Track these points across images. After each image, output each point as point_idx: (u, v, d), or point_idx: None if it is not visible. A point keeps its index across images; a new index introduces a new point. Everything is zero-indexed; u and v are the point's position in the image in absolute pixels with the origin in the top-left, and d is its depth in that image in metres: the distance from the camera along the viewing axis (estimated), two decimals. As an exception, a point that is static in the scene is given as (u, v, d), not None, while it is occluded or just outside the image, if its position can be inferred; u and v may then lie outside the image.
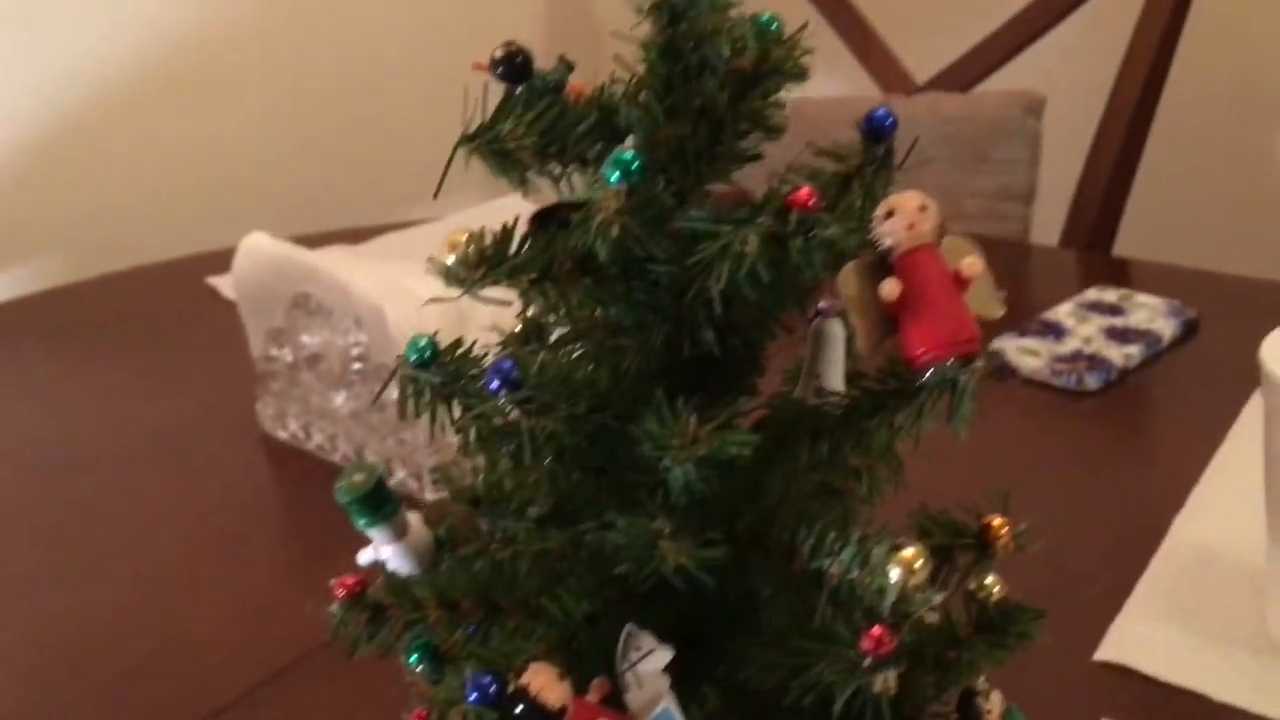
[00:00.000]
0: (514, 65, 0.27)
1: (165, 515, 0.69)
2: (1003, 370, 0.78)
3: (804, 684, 0.28)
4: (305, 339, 0.72)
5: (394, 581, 0.33)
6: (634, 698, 0.29)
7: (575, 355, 0.30)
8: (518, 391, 0.27)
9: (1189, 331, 0.82)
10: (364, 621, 0.32)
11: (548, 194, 0.29)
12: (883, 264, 0.27)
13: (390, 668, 0.34)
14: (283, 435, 0.75)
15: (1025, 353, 0.78)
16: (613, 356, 0.29)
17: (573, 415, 0.27)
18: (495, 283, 0.27)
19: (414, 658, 0.32)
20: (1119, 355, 0.78)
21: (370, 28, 1.41)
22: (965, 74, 1.18)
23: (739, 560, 0.30)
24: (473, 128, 0.27)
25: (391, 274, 0.68)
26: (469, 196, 0.53)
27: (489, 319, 0.30)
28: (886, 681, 0.27)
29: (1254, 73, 1.48)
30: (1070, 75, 1.28)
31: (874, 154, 0.29)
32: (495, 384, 0.27)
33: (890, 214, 0.27)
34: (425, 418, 0.30)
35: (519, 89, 0.28)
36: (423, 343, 0.29)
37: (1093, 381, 0.75)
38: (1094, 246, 1.10)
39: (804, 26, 0.28)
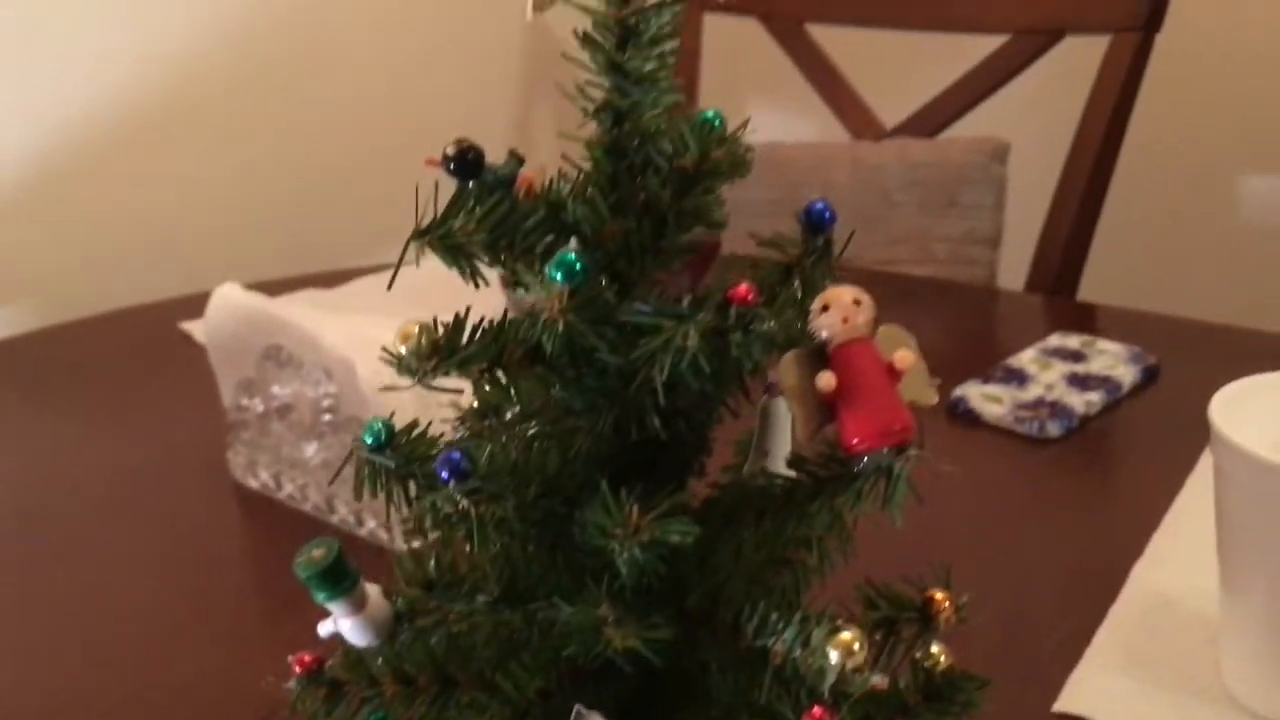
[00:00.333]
0: (465, 161, 0.28)
1: (133, 566, 0.69)
2: (966, 415, 0.79)
3: (750, 759, 0.29)
4: (276, 390, 0.73)
5: (351, 656, 0.33)
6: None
7: (528, 434, 0.31)
8: (466, 482, 0.28)
9: (1149, 378, 0.84)
10: (321, 698, 0.32)
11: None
12: (821, 354, 0.28)
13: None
14: (254, 484, 0.75)
15: (989, 399, 0.80)
16: (563, 438, 0.30)
17: (522, 502, 0.28)
18: (447, 373, 0.28)
19: (371, 732, 0.33)
20: (1080, 402, 0.79)
21: (343, 73, 1.43)
22: (932, 120, 1.20)
23: (689, 636, 0.31)
24: (425, 223, 0.28)
25: (361, 327, 0.69)
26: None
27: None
28: (829, 758, 0.28)
29: (1214, 120, 1.51)
30: (1034, 122, 1.30)
31: (813, 245, 0.30)
32: (445, 474, 0.28)
33: (826, 308, 0.28)
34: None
35: (470, 184, 0.29)
36: (378, 426, 0.30)
37: (1055, 429, 0.77)
38: (1058, 291, 1.12)
39: (745, 123, 0.29)
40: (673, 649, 0.30)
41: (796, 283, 0.29)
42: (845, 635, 0.27)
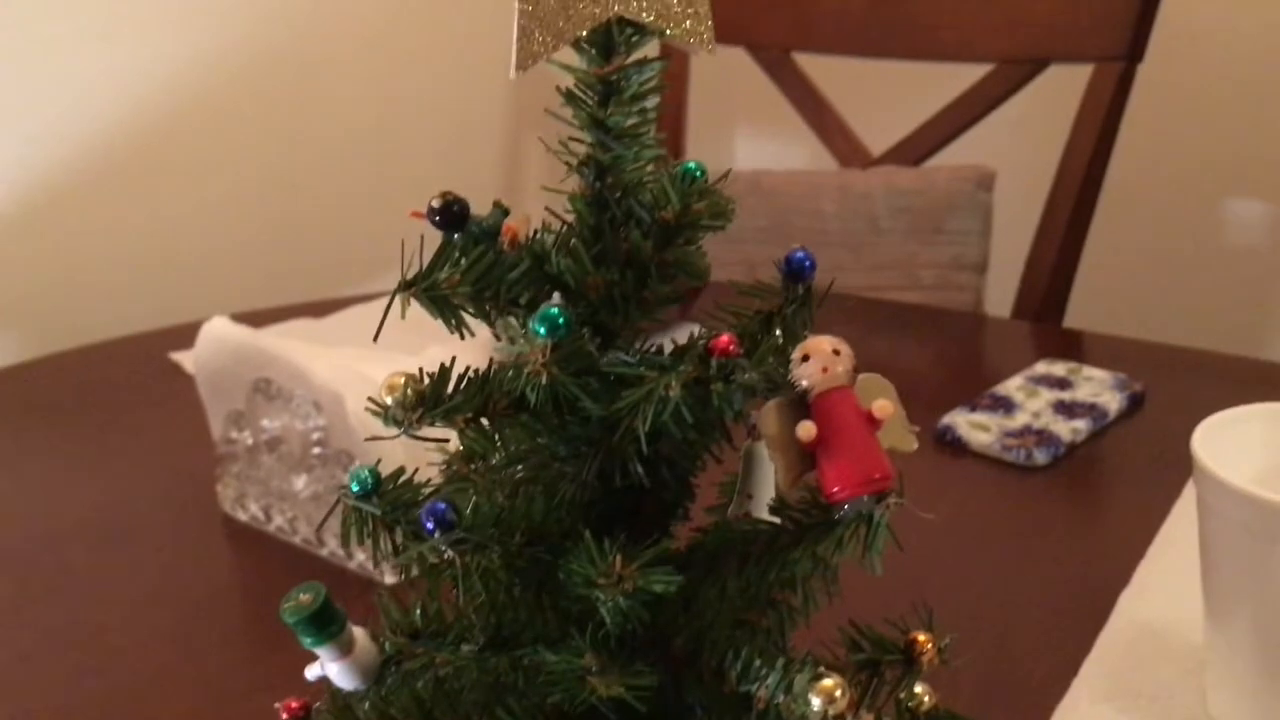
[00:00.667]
0: (450, 214, 0.29)
1: (120, 600, 0.68)
2: (953, 443, 0.80)
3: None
4: (265, 422, 0.73)
5: (338, 701, 0.33)
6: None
7: (513, 480, 0.32)
8: (452, 532, 0.28)
9: (1135, 405, 0.85)
10: (307, 744, 0.32)
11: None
12: (802, 402, 0.29)
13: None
14: (243, 517, 0.75)
15: (976, 427, 0.80)
16: (548, 485, 0.31)
17: (507, 550, 0.28)
18: (432, 423, 0.28)
19: (357, 779, 0.33)
20: (1067, 430, 0.80)
21: (334, 104, 1.44)
22: (918, 147, 1.21)
23: (673, 680, 0.31)
24: (410, 274, 0.29)
25: (350, 361, 0.70)
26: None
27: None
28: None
29: (1198, 147, 1.53)
30: (1019, 149, 1.32)
31: (794, 293, 0.31)
32: (430, 525, 0.28)
33: (806, 358, 0.28)
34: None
35: (455, 236, 0.29)
36: (364, 473, 0.31)
37: (1041, 457, 0.77)
38: (1045, 317, 1.13)
39: (726, 174, 0.30)
40: (658, 694, 0.30)
41: (777, 331, 0.30)
42: (827, 682, 0.28)
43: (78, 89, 1.22)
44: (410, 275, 0.29)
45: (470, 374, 0.29)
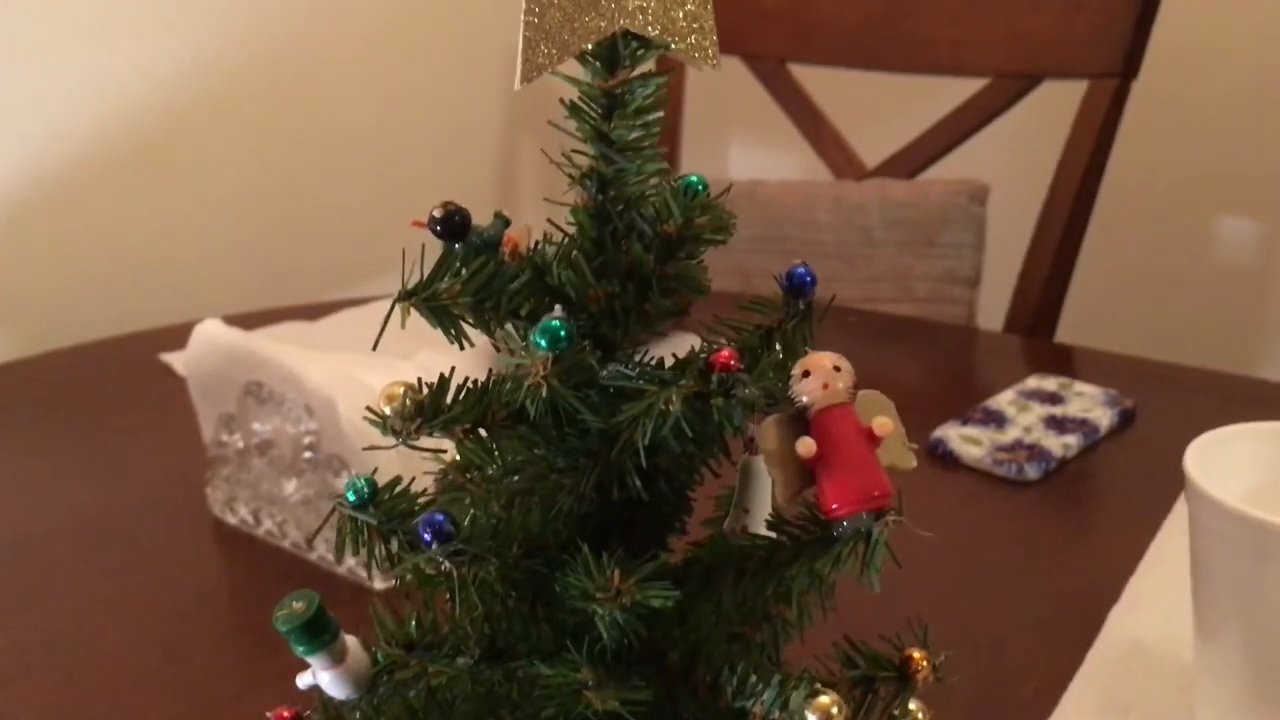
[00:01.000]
0: (452, 224, 0.29)
1: (108, 603, 0.68)
2: (945, 457, 0.80)
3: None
4: (257, 426, 0.73)
5: (329, 710, 0.33)
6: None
7: (511, 490, 0.31)
8: (449, 543, 0.28)
9: (1126, 421, 0.85)
10: (298, 753, 0.32)
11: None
12: (801, 418, 0.29)
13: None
14: (232, 520, 0.75)
15: (967, 441, 0.80)
16: (546, 496, 0.30)
17: (504, 562, 0.28)
18: (431, 434, 0.28)
19: (348, 789, 0.32)
20: (1058, 445, 0.80)
21: (331, 106, 1.43)
22: (913, 160, 1.22)
23: (669, 693, 0.31)
24: (410, 284, 0.28)
25: (342, 365, 0.69)
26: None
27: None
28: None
29: (1191, 163, 1.54)
30: (1013, 164, 1.32)
31: (795, 309, 0.31)
32: (427, 536, 0.28)
33: (806, 374, 0.28)
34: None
35: (456, 246, 0.29)
36: (360, 483, 0.30)
37: (1033, 471, 0.77)
38: (1037, 330, 1.13)
39: (728, 189, 0.30)
40: (653, 708, 0.30)
41: (778, 346, 0.30)
42: (824, 699, 0.28)
43: (71, 90, 1.22)
44: (411, 284, 0.28)
45: (469, 385, 0.29)
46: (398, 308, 0.28)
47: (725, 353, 0.28)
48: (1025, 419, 0.83)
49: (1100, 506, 0.78)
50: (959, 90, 1.19)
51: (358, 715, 0.33)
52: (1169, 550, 0.69)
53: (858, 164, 1.24)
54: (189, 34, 1.28)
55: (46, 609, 0.68)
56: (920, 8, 1.20)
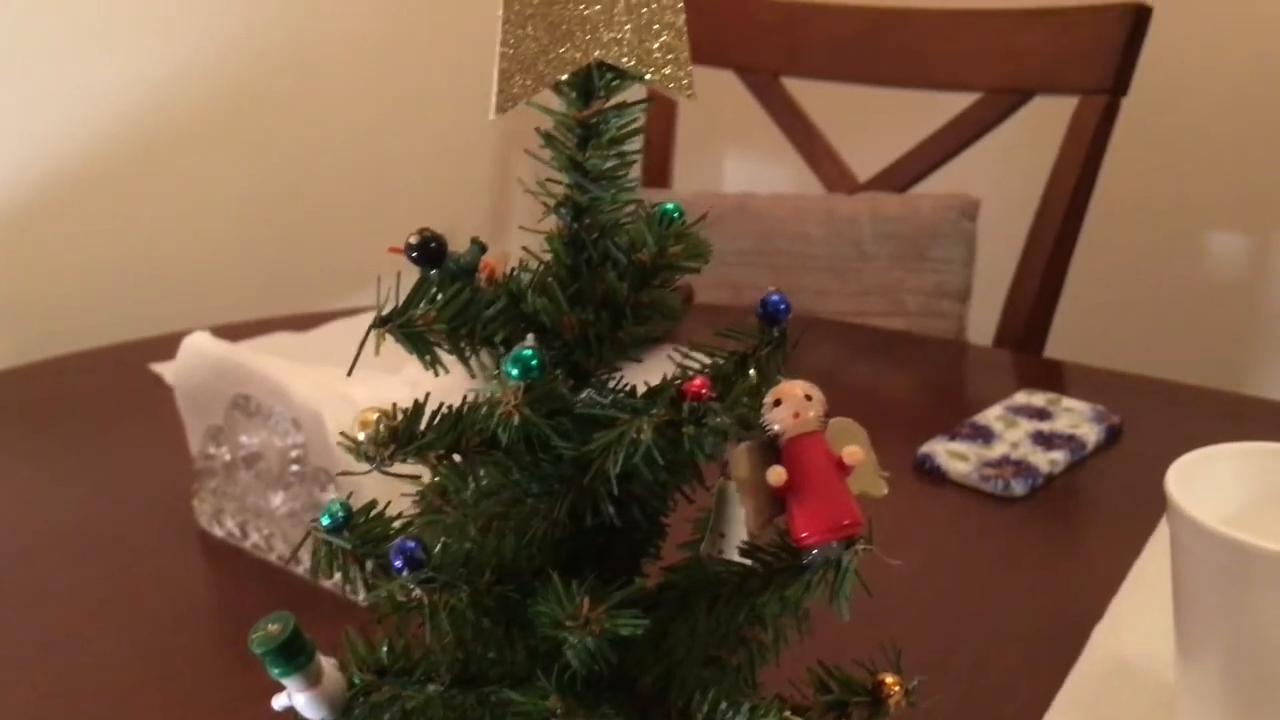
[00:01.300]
0: (428, 250, 0.29)
1: (93, 615, 0.68)
2: (932, 472, 0.80)
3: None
4: (244, 439, 0.73)
5: (304, 733, 0.33)
6: None
7: (487, 514, 0.32)
8: (420, 570, 0.28)
9: (1113, 437, 0.85)
10: (273, 775, 0.32)
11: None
12: (773, 446, 0.29)
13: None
14: (219, 533, 0.75)
15: (954, 457, 0.80)
16: (519, 522, 0.31)
17: (476, 589, 0.28)
18: (405, 459, 0.28)
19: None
20: (1045, 461, 0.80)
21: (323, 116, 1.44)
22: (904, 174, 1.22)
23: (642, 719, 0.31)
24: (386, 310, 0.29)
25: (330, 379, 0.69)
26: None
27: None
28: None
29: (1180, 180, 1.54)
30: (1003, 179, 1.33)
31: (769, 336, 0.31)
32: (398, 563, 0.28)
33: (778, 402, 0.29)
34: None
35: (432, 273, 0.29)
36: (336, 506, 0.30)
37: (1019, 488, 0.78)
38: (1026, 345, 1.13)
39: (703, 217, 0.30)
40: (626, 732, 0.30)
41: (751, 373, 0.30)
42: (793, 727, 0.28)
43: (61, 99, 1.22)
44: (386, 311, 0.29)
45: (443, 410, 0.29)
46: (372, 334, 0.29)
47: (697, 381, 0.28)
48: (1013, 434, 0.84)
49: (1086, 523, 0.78)
50: (950, 105, 1.20)
51: (332, 737, 0.33)
52: (1153, 569, 0.69)
53: (850, 177, 1.25)
54: (180, 44, 1.28)
55: (32, 619, 0.67)
56: (912, 23, 1.21)
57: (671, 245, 0.29)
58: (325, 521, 0.30)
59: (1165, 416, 0.89)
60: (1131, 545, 0.71)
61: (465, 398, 0.30)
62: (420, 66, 1.51)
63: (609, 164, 0.29)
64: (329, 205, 1.44)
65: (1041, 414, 0.86)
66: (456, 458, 0.29)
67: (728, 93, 1.32)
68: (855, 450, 0.28)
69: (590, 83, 0.28)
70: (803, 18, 1.25)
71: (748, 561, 0.31)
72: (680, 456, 0.28)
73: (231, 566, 0.73)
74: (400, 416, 0.29)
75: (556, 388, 0.28)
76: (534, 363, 0.27)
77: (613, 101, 0.29)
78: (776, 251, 1.16)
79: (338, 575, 0.31)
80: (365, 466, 0.29)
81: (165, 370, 0.94)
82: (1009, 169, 1.33)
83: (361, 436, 0.28)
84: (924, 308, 1.14)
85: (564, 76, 0.28)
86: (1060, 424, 0.85)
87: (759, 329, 0.32)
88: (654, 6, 0.27)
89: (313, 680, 0.35)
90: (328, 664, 0.36)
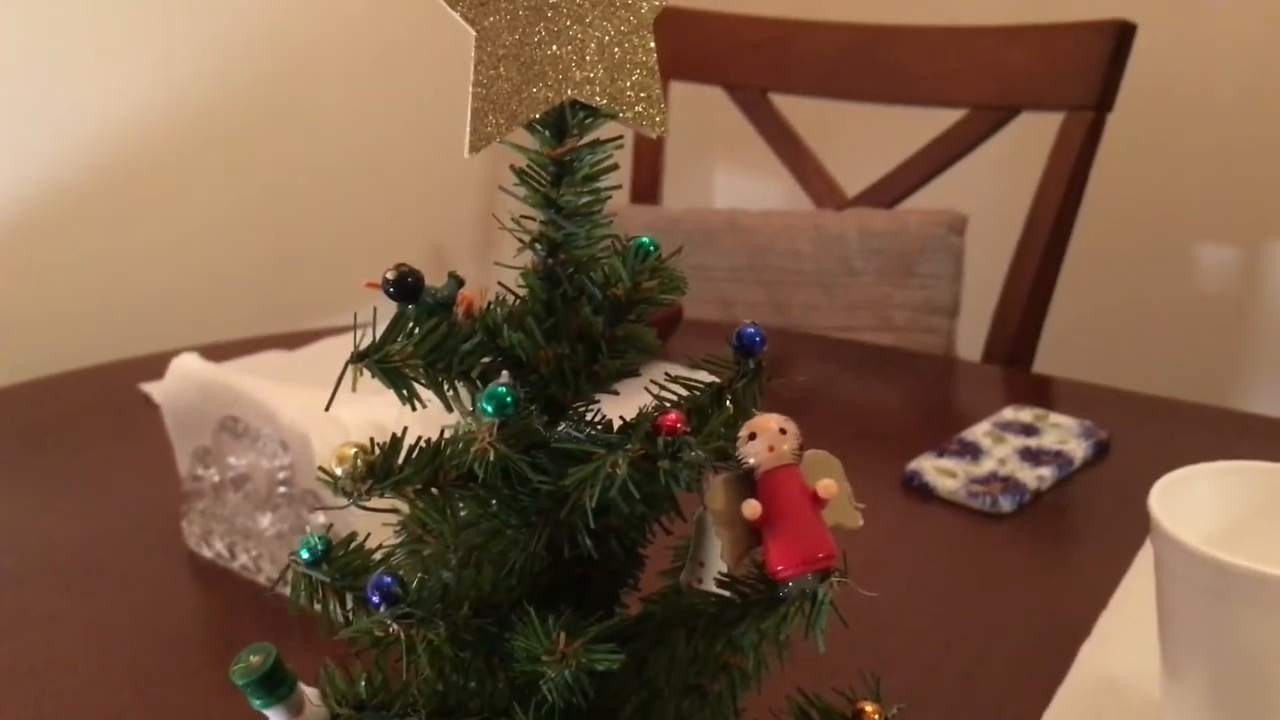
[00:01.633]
0: (405, 286, 0.29)
1: (81, 636, 0.68)
2: (920, 489, 0.80)
3: None
4: (232, 460, 0.73)
5: (287, 764, 0.33)
6: None
7: (467, 546, 0.32)
8: (397, 606, 0.28)
9: (1100, 453, 0.85)
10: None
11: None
12: (749, 479, 0.29)
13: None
14: (208, 554, 0.75)
15: (942, 473, 0.81)
16: (499, 552, 0.31)
17: (453, 623, 0.28)
18: (382, 494, 0.28)
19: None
20: (1032, 477, 0.80)
21: (311, 135, 1.44)
22: (892, 189, 1.23)
23: (622, 749, 0.31)
24: (363, 345, 0.29)
25: (317, 400, 0.69)
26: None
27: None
28: None
29: (1165, 195, 1.55)
30: (990, 195, 1.34)
31: (745, 368, 0.31)
32: (376, 599, 0.28)
33: (753, 436, 0.29)
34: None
35: (409, 308, 0.29)
36: (314, 540, 0.31)
37: (1007, 504, 0.78)
38: (1014, 360, 1.14)
39: (678, 251, 0.30)
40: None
41: (727, 403, 0.30)
42: (769, 759, 0.28)
43: (51, 120, 1.22)
44: (364, 346, 0.29)
45: (421, 444, 0.29)
46: (349, 370, 0.29)
47: (672, 416, 0.28)
48: (1000, 450, 0.84)
49: (1073, 540, 0.78)
50: (938, 121, 1.21)
51: (314, 769, 0.33)
52: (1140, 585, 0.69)
53: (839, 192, 1.25)
54: (169, 66, 1.29)
55: (19, 640, 0.67)
56: (899, 40, 1.21)
57: (646, 280, 0.29)
58: (304, 555, 0.30)
59: (1153, 432, 0.89)
60: (1119, 561, 0.72)
61: (442, 432, 0.30)
62: (411, 86, 1.52)
63: (583, 200, 0.29)
64: (318, 226, 1.44)
65: (1029, 430, 0.87)
66: (434, 491, 0.29)
67: (717, 109, 1.33)
68: (829, 483, 0.28)
69: (563, 121, 0.29)
70: (790, 35, 1.26)
71: (725, 593, 0.31)
72: (656, 490, 0.28)
73: (220, 587, 0.72)
74: (378, 451, 0.29)
75: (531, 423, 0.28)
76: (508, 399, 0.27)
77: (586, 139, 0.29)
78: (766, 267, 1.17)
79: (316, 609, 0.31)
80: (343, 502, 0.29)
81: (154, 390, 0.94)
82: (996, 184, 1.33)
83: (339, 471, 0.29)
84: (912, 323, 1.15)
85: (536, 115, 0.28)
86: (1048, 440, 0.85)
87: (734, 360, 0.32)
88: (626, 46, 0.27)
89: (294, 711, 0.35)
90: (311, 693, 0.36)
